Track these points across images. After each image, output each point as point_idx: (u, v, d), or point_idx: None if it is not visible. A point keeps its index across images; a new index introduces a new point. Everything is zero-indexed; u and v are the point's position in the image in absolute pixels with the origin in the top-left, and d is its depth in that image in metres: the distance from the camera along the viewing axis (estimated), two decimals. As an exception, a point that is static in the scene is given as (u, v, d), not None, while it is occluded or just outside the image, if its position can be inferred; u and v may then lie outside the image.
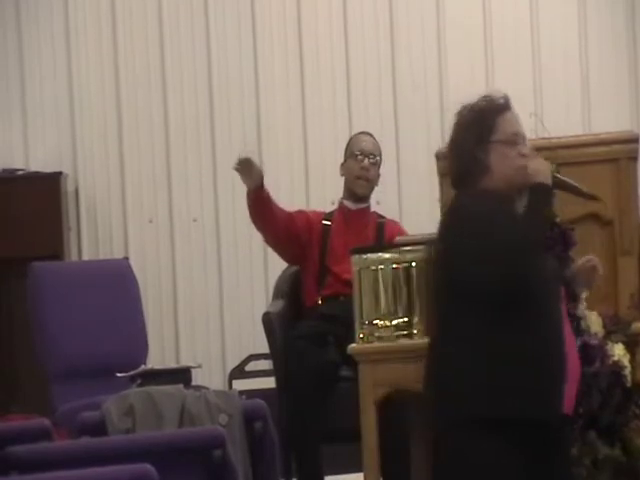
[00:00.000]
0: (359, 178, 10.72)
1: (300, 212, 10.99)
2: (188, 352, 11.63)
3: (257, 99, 14.27)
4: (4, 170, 11.89)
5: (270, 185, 11.18)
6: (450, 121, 7.63)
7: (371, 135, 11.17)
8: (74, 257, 11.88)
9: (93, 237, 12.27)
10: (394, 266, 8.67)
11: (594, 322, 8.21)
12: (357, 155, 10.76)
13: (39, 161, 12.72)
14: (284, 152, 13.69)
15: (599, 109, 14.31)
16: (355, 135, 11.26)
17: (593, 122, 14.20)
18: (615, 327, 8.32)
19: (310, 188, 12.91)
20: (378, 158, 10.88)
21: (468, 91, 10.30)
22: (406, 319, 8.58)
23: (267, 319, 10.27)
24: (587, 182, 8.14)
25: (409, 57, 15.00)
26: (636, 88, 14.51)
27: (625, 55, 15.27)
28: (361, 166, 10.68)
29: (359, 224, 10.56)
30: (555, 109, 14.24)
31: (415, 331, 8.56)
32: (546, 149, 8.47)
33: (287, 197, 12.26)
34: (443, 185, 8.47)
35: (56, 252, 11.33)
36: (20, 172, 12.01)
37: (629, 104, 13.73)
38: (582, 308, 8.26)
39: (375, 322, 8.58)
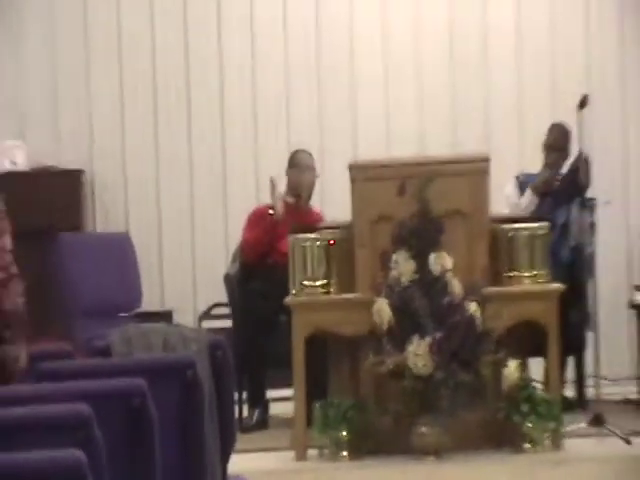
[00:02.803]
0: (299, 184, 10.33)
1: (260, 217, 10.28)
2: (170, 299, 11.25)
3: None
4: (42, 166, 11.31)
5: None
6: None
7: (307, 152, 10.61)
8: (90, 230, 11.37)
9: (104, 216, 11.57)
10: (318, 242, 8.80)
11: (456, 286, 8.40)
12: (297, 166, 10.39)
13: (68, 159, 11.54)
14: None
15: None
16: (295, 151, 10.63)
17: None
18: (471, 291, 8.41)
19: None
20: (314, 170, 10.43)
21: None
22: (325, 281, 8.74)
23: (227, 278, 10.34)
24: (454, 188, 8.64)
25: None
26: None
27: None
28: (299, 175, 10.33)
29: (295, 214, 10.08)
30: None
31: (332, 289, 8.73)
32: (423, 164, 8.98)
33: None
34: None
35: (77, 226, 10.99)
36: (53, 168, 11.35)
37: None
38: (448, 276, 8.44)
39: (304, 283, 8.76)
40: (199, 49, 12.03)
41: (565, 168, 10.27)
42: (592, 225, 10.11)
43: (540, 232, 8.84)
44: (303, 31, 12.05)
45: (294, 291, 8.83)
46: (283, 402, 9.45)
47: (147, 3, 12.04)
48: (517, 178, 10.33)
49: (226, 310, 10.44)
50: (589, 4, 11.82)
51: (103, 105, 11.85)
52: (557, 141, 10.29)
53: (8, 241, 5.09)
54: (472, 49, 11.91)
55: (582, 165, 9.70)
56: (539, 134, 10.44)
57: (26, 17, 11.72)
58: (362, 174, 8.89)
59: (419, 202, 8.50)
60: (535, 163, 10.40)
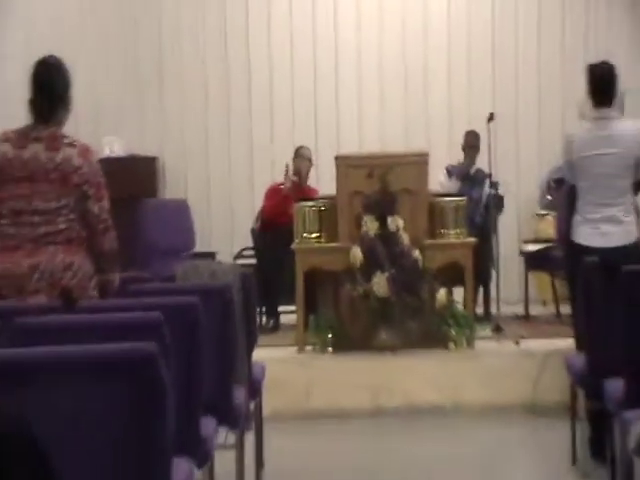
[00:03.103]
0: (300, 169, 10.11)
1: (275, 192, 10.16)
2: (214, 244, 11.12)
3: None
4: (130, 154, 11.24)
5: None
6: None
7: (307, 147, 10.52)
8: (161, 197, 11.44)
9: (170, 187, 11.55)
10: (313, 208, 8.75)
11: (405, 239, 8.37)
12: (299, 154, 10.25)
13: (147, 148, 11.45)
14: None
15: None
16: (299, 146, 10.49)
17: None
18: (415, 242, 8.39)
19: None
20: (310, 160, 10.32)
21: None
22: (318, 234, 8.68)
23: (253, 232, 10.34)
24: (404, 173, 8.55)
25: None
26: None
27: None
28: (300, 163, 10.17)
29: (298, 189, 9.86)
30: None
31: (322, 240, 8.67)
32: (384, 157, 8.98)
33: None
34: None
35: (153, 194, 11.12)
36: (137, 155, 11.29)
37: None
38: (400, 232, 8.38)
39: (303, 235, 8.70)
40: (238, 61, 11.76)
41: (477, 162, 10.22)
42: (500, 198, 10.09)
43: (461, 204, 8.78)
44: (306, 56, 11.79)
45: (297, 241, 8.74)
46: (289, 314, 9.39)
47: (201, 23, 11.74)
48: (446, 168, 10.25)
49: (252, 252, 10.37)
50: (494, 41, 11.65)
51: (171, 112, 11.69)
52: (470, 142, 10.25)
53: (107, 203, 5.05)
54: (418, 72, 11.72)
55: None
56: (460, 138, 10.37)
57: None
58: (343, 163, 8.81)
59: (381, 182, 8.48)
60: (458, 157, 10.35)
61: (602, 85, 6.47)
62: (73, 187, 4.92)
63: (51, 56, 5.12)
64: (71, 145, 4.97)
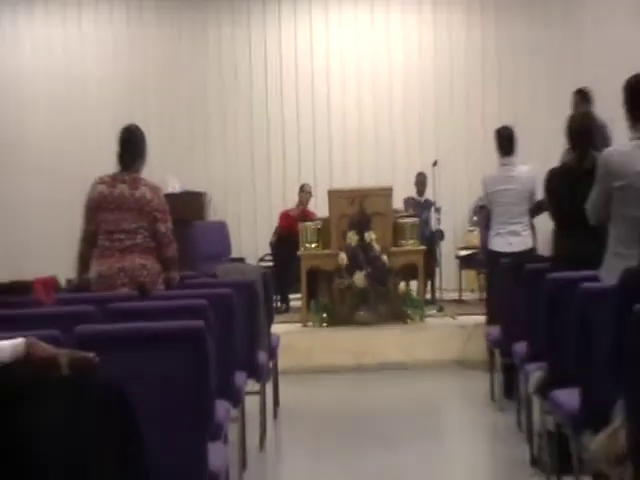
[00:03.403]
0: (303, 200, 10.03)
1: (286, 215, 9.98)
2: (244, 251, 10.75)
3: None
4: (185, 190, 10.81)
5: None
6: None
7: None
8: (207, 219, 10.95)
9: (214, 213, 11.16)
10: (313, 226, 8.66)
11: (377, 248, 8.30)
12: (303, 190, 10.11)
13: (197, 185, 10.99)
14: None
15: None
16: (303, 184, 10.28)
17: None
18: (384, 250, 8.31)
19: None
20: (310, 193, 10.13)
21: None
22: (316, 244, 8.58)
23: (271, 243, 10.12)
24: (376, 201, 8.48)
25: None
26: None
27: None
28: (303, 196, 10.03)
29: (302, 213, 9.69)
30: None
31: (319, 248, 8.53)
32: (362, 190, 8.75)
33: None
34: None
35: (201, 218, 10.68)
36: (190, 190, 10.83)
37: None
38: (374, 243, 8.29)
39: (306, 245, 8.61)
40: (259, 122, 11.33)
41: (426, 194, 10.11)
42: (442, 232, 9.99)
43: (415, 223, 8.72)
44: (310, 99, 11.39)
45: (302, 249, 8.65)
46: (296, 300, 9.25)
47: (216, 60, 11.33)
48: (405, 200, 10.12)
49: (270, 257, 10.23)
50: (437, 108, 11.37)
51: (214, 159, 11.41)
52: (420, 180, 10.15)
53: (170, 224, 5.06)
54: (386, 129, 11.37)
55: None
56: (413, 177, 10.26)
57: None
58: (334, 194, 8.77)
59: (360, 208, 8.44)
60: (412, 191, 10.22)
61: (506, 143, 6.59)
62: (147, 214, 4.96)
63: (132, 124, 5.15)
64: (145, 185, 5.02)
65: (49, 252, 10.39)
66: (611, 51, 10.58)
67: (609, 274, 3.83)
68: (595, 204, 4.09)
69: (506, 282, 5.43)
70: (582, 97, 6.26)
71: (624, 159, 3.93)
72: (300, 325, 8.54)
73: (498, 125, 6.94)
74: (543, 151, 8.79)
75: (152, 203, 4.97)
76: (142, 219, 4.95)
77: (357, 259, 8.33)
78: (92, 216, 5.01)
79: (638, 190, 3.86)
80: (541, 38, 11.08)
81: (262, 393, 5.24)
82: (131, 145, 5.05)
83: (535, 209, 6.48)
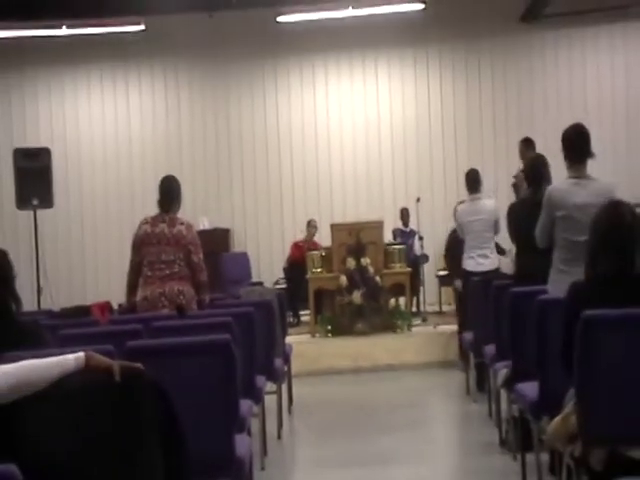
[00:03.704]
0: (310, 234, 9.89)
1: (296, 246, 9.82)
2: (262, 276, 10.39)
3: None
4: (214, 227, 10.63)
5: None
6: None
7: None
8: (232, 251, 10.69)
9: (237, 245, 10.92)
10: (318, 254, 8.56)
11: (371, 270, 8.21)
12: (310, 225, 9.97)
13: (223, 223, 10.84)
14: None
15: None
16: (310, 219, 10.07)
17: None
18: (376, 272, 8.22)
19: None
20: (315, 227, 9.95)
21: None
22: (321, 269, 8.47)
23: (284, 269, 9.95)
24: (370, 233, 8.36)
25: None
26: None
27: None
28: (310, 230, 9.92)
29: (309, 244, 9.52)
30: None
31: (324, 272, 8.40)
32: (357, 224, 8.67)
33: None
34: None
35: (227, 250, 10.55)
36: (218, 228, 10.67)
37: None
38: (369, 267, 8.22)
39: (313, 270, 8.51)
40: (273, 168, 11.16)
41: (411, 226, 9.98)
42: (426, 255, 9.83)
43: (402, 249, 8.63)
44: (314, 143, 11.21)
45: (310, 273, 8.57)
46: (306, 316, 9.14)
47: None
48: (393, 230, 10.00)
49: (284, 281, 10.11)
50: (418, 148, 11.15)
51: (236, 200, 11.18)
52: (405, 214, 10.02)
53: (201, 255, 5.07)
54: (376, 173, 11.13)
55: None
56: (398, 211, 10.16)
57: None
58: (335, 227, 8.70)
59: (356, 238, 8.35)
60: (399, 223, 10.12)
61: (472, 182, 6.64)
62: (182, 247, 4.98)
63: (169, 175, 5.24)
64: (181, 223, 5.06)
65: (104, 281, 10.45)
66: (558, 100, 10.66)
67: (554, 287, 3.88)
68: (541, 230, 4.13)
69: (477, 296, 5.43)
70: (527, 145, 6.33)
71: (564, 194, 3.99)
72: (309, 336, 8.44)
73: (468, 167, 6.95)
74: (504, 187, 8.73)
75: (187, 238, 5.00)
76: (179, 251, 4.97)
77: (355, 280, 8.27)
78: (138, 250, 5.05)
79: (575, 219, 3.92)
80: (500, 94, 11.06)
81: (278, 392, 5.21)
82: (168, 192, 5.11)
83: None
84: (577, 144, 3.95)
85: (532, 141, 6.49)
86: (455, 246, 6.88)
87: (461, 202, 6.98)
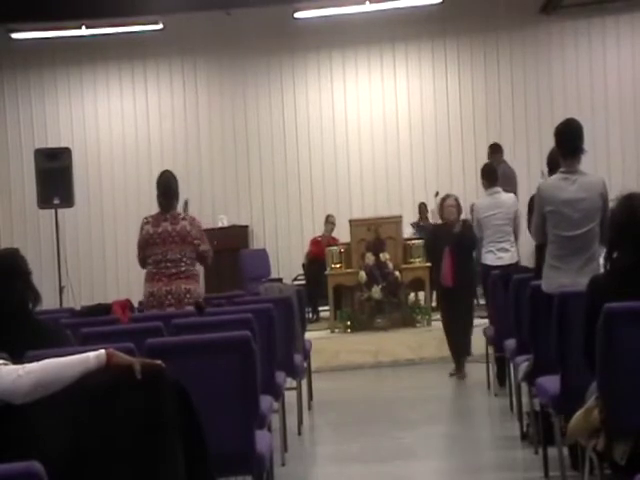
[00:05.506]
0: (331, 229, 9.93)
1: (315, 241, 9.87)
2: (281, 272, 10.30)
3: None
4: (232, 224, 10.62)
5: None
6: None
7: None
8: (250, 247, 10.66)
9: (256, 242, 10.86)
10: (337, 250, 8.59)
11: (390, 265, 8.20)
12: (328, 221, 10.04)
13: (242, 220, 10.84)
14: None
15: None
16: (328, 215, 10.15)
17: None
18: (396, 267, 8.21)
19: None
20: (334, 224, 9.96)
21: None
22: (340, 264, 8.49)
23: (303, 265, 9.92)
24: (389, 228, 8.34)
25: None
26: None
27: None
28: (329, 225, 9.96)
29: (328, 239, 9.60)
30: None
31: (342, 267, 8.40)
32: (377, 219, 8.67)
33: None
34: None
35: (246, 246, 10.52)
36: (236, 224, 10.65)
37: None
38: (388, 261, 8.16)
39: (332, 265, 8.52)
40: (291, 163, 11.06)
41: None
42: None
43: (420, 243, 8.49)
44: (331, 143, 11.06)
45: (328, 269, 8.58)
46: (325, 312, 9.15)
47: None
48: (412, 224, 9.99)
49: (303, 277, 10.09)
50: (437, 143, 11.04)
51: (255, 198, 11.14)
52: (423, 209, 10.05)
53: (207, 244, 5.07)
54: (395, 167, 11.03)
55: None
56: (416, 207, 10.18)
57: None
58: (354, 223, 8.70)
59: (375, 233, 8.36)
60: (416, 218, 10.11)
61: (489, 176, 6.58)
62: (188, 243, 5.00)
63: (166, 170, 5.24)
64: (184, 219, 5.07)
65: (124, 279, 10.42)
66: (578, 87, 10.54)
67: (546, 284, 3.90)
68: (535, 226, 4.14)
69: (497, 290, 5.40)
70: (495, 149, 6.39)
71: (552, 189, 4.02)
72: (328, 331, 8.44)
73: (486, 160, 6.98)
74: (524, 180, 8.65)
75: (192, 234, 5.02)
76: (184, 249, 4.99)
77: (374, 276, 8.26)
78: (143, 251, 5.07)
79: (564, 214, 3.94)
80: (520, 87, 10.92)
81: (298, 388, 5.22)
82: (169, 189, 5.08)
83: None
84: (568, 139, 3.99)
85: (499, 145, 6.70)
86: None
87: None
